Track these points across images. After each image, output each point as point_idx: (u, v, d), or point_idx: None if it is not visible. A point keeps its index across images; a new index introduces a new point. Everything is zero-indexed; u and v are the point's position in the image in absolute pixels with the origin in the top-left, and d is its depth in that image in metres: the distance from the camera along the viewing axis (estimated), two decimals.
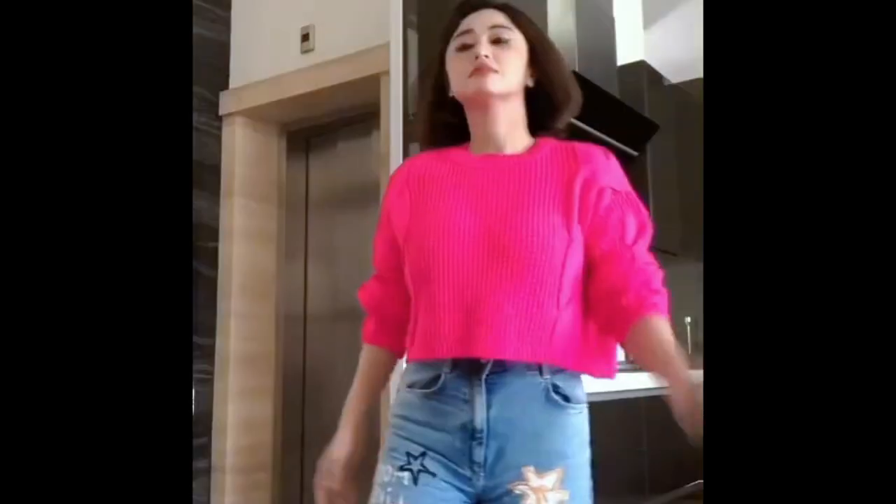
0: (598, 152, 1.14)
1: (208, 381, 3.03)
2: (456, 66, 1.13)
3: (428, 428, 1.08)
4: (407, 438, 1.09)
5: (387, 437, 1.13)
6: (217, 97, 3.19)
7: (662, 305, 1.06)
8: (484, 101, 1.11)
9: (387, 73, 2.52)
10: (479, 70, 1.09)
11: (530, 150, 1.15)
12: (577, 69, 2.95)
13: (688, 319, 3.63)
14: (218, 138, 3.19)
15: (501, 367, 1.05)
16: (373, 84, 2.70)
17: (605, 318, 1.09)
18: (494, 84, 1.09)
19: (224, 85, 3.23)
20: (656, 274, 1.09)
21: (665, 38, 4.04)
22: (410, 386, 1.11)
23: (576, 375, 1.10)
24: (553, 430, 1.06)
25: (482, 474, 1.05)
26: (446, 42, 1.16)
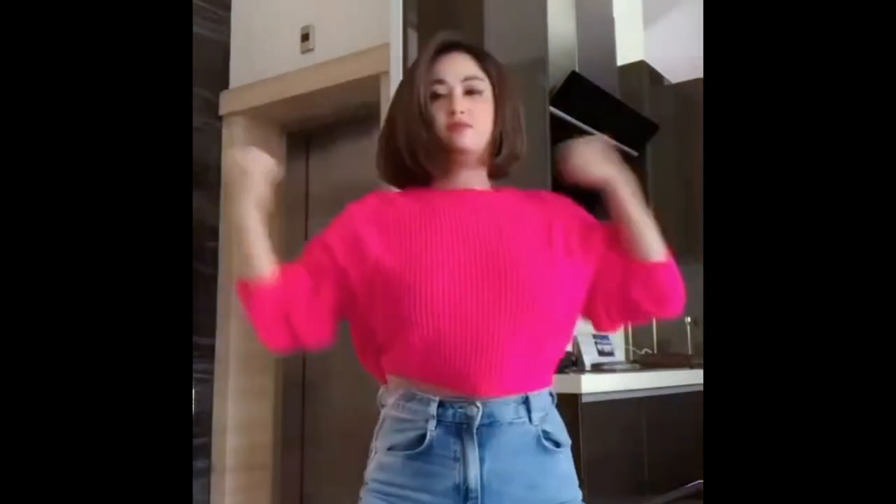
0: (560, 196, 1.20)
1: (208, 381, 3.04)
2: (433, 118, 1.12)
3: (414, 491, 1.02)
4: None
5: (366, 500, 1.06)
6: (217, 97, 3.19)
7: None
8: (460, 156, 1.12)
9: (387, 73, 2.52)
10: (456, 127, 1.10)
11: (495, 190, 1.17)
12: (577, 69, 2.95)
13: (688, 319, 3.63)
14: (218, 138, 3.19)
15: (490, 418, 1.01)
16: (373, 84, 2.70)
17: (621, 290, 1.14)
18: (471, 140, 1.11)
19: (224, 85, 3.23)
20: None
21: (665, 38, 4.04)
22: (391, 448, 1.05)
23: (559, 419, 1.10)
24: (547, 477, 1.04)
25: None
26: (425, 88, 1.12)
